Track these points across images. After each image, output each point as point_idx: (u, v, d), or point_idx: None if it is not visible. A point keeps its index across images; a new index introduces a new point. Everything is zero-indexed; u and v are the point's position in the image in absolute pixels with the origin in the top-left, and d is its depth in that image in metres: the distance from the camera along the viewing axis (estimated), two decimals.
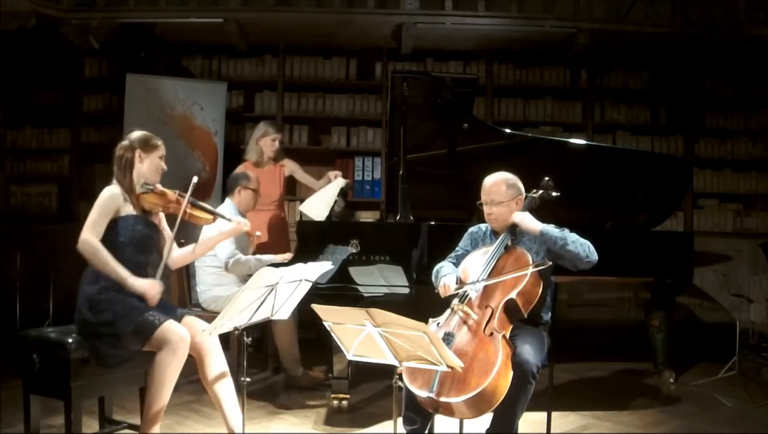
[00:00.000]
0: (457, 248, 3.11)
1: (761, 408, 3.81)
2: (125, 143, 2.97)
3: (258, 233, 3.27)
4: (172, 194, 2.94)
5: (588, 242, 2.83)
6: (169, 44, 5.68)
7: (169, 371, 2.70)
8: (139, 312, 2.74)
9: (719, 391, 4.13)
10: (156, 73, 5.44)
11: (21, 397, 2.77)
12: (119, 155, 2.93)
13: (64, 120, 5.79)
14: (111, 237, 2.81)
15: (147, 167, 2.94)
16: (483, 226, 3.08)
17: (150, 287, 2.82)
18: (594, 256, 2.81)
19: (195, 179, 2.95)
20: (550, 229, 2.81)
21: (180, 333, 2.72)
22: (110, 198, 2.83)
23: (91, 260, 2.78)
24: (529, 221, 2.83)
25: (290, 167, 4.89)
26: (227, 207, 4.07)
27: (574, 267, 2.84)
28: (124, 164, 2.92)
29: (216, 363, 2.85)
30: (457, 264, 3.02)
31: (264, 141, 4.67)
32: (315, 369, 4.20)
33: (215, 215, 3.06)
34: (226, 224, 3.18)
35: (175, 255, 3.09)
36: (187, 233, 3.62)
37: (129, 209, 2.87)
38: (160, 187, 2.94)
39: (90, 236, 2.76)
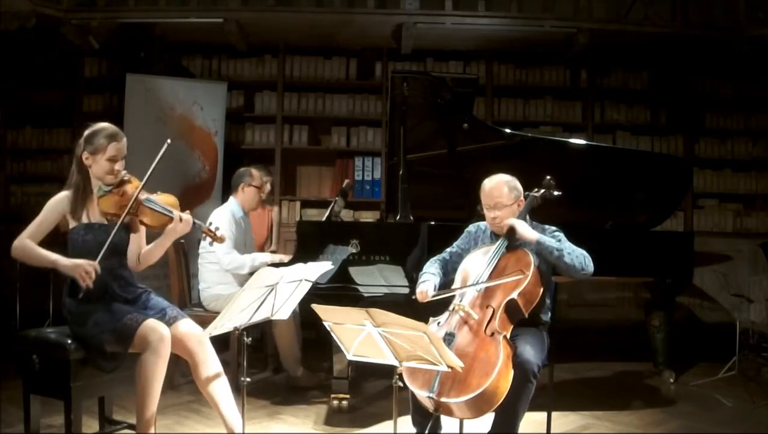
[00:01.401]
0: (452, 246, 3.09)
1: (761, 408, 3.81)
2: (81, 139, 2.71)
3: (210, 222, 2.87)
4: (131, 192, 2.68)
5: (585, 253, 2.79)
6: (169, 44, 5.69)
7: (154, 371, 2.63)
8: (117, 319, 2.65)
9: (719, 391, 4.13)
10: (156, 73, 5.44)
11: (21, 397, 2.76)
12: (75, 154, 2.72)
13: (64, 120, 5.79)
14: (67, 253, 2.68)
15: (95, 171, 2.70)
16: (482, 224, 3.05)
17: (74, 266, 2.57)
18: (590, 268, 2.78)
19: (152, 168, 2.62)
20: (546, 239, 2.79)
21: (159, 331, 2.64)
22: (54, 203, 2.67)
23: (26, 262, 2.61)
24: (525, 231, 2.79)
25: (275, 217, 4.89)
26: (231, 205, 4.07)
27: (569, 276, 2.82)
28: (76, 165, 2.70)
29: (209, 366, 2.79)
30: (448, 262, 3.01)
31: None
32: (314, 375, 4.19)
33: (171, 217, 2.73)
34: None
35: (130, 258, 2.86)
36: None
37: (81, 218, 2.67)
38: (122, 187, 2.66)
39: (19, 239, 2.60)
